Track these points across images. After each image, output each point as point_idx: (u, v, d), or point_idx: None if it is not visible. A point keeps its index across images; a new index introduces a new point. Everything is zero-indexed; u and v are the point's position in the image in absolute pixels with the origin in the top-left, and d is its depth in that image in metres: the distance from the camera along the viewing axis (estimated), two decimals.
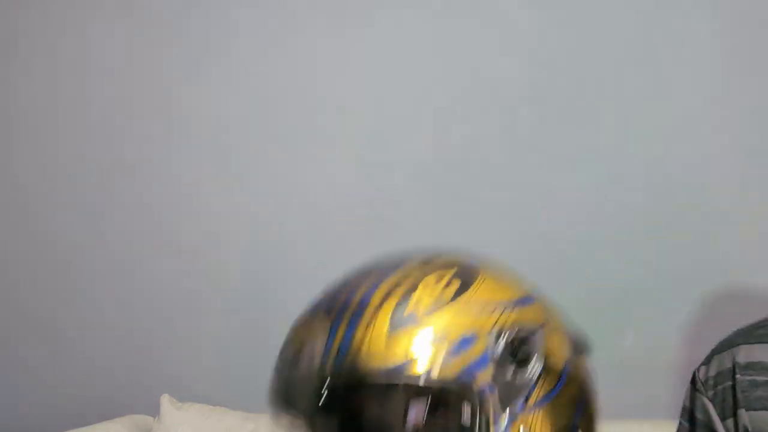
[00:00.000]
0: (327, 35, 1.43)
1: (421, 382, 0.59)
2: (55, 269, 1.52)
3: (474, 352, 0.60)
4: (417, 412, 0.59)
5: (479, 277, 0.65)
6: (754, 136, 1.38)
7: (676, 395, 1.38)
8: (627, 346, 1.39)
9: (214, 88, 1.46)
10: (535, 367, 0.62)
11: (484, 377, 0.60)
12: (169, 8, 1.45)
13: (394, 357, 0.59)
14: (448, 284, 0.63)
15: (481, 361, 0.60)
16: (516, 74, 1.40)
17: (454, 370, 0.59)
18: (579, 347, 0.70)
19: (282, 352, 0.65)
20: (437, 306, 0.61)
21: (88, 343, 1.52)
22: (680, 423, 0.77)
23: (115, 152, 1.49)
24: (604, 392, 1.38)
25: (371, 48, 1.42)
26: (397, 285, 0.62)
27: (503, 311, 0.63)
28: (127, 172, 1.49)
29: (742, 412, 0.69)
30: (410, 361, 0.59)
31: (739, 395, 0.70)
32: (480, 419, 0.59)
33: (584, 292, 1.38)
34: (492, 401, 0.59)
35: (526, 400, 0.61)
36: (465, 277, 0.64)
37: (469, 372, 0.59)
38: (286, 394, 0.64)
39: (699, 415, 0.72)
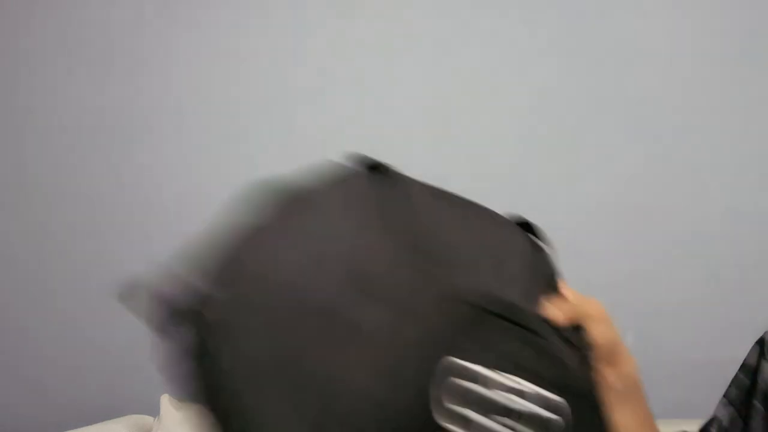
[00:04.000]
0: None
1: None
2: (53, 268, 1.52)
3: None
4: None
5: None
6: (754, 135, 1.39)
7: (676, 395, 1.39)
8: (627, 346, 1.39)
9: (222, 83, 1.46)
10: None
11: None
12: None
13: None
14: None
15: None
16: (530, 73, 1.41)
17: None
18: None
19: None
20: None
21: (88, 342, 1.52)
22: (737, 375, 0.72)
23: (122, 147, 1.49)
24: None
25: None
26: None
27: None
28: (131, 167, 1.49)
29: None
30: None
31: None
32: None
33: (585, 293, 1.38)
34: None
35: None
36: None
37: None
38: None
39: (761, 383, 0.69)
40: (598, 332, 0.63)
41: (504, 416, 0.49)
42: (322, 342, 0.49)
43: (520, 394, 0.50)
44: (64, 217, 1.50)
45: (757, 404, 0.68)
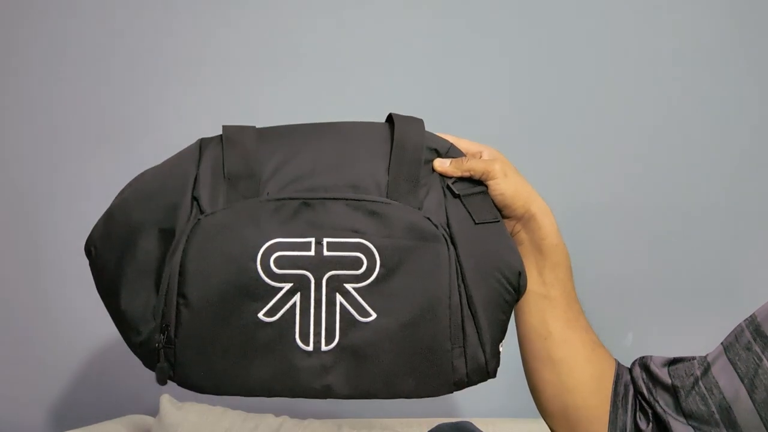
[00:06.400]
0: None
1: None
2: (53, 267, 1.52)
3: None
4: None
5: None
6: (750, 135, 1.38)
7: None
8: (627, 346, 1.39)
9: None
10: None
11: None
12: None
13: None
14: None
15: None
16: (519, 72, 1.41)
17: None
18: None
19: None
20: None
21: (87, 342, 1.52)
22: (742, 327, 0.72)
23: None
24: None
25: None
26: None
27: None
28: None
29: None
30: None
31: None
32: None
33: (584, 292, 1.38)
34: None
35: None
36: None
37: None
38: None
39: None
40: (495, 187, 0.78)
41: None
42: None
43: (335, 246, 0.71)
44: (62, 217, 1.50)
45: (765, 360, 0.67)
